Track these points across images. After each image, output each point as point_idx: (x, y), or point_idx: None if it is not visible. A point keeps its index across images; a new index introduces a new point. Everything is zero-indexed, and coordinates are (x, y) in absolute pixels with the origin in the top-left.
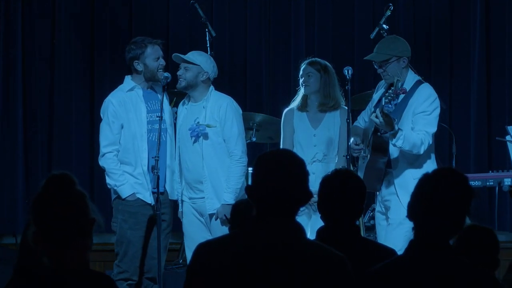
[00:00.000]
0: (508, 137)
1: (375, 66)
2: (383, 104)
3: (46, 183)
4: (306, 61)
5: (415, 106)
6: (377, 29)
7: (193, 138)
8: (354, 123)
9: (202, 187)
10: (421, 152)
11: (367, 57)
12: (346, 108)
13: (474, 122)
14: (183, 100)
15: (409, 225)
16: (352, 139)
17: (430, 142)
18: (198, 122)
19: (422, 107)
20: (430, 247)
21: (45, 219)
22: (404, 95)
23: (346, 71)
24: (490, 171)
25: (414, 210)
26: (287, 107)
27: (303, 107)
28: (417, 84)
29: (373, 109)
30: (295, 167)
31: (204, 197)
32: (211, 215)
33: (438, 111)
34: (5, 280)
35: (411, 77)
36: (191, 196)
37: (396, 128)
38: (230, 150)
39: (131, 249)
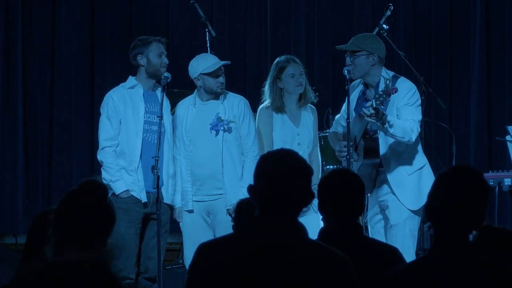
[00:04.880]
0: (508, 137)
1: (347, 60)
2: (374, 106)
3: (82, 188)
4: (287, 61)
5: (398, 101)
6: (377, 29)
7: (214, 133)
8: (331, 129)
9: (216, 183)
10: (413, 139)
11: (339, 46)
12: (313, 107)
13: (474, 122)
14: (184, 101)
15: (412, 222)
16: (338, 145)
17: (419, 130)
18: (220, 117)
19: (404, 100)
20: (452, 246)
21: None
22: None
23: (346, 71)
24: (490, 171)
25: (432, 210)
26: (261, 105)
27: (282, 108)
28: (394, 79)
29: (353, 113)
30: (297, 167)
31: (216, 195)
32: (227, 211)
33: (419, 101)
34: (5, 279)
35: (385, 75)
36: (203, 193)
37: (385, 115)
38: (247, 147)
39: (126, 246)
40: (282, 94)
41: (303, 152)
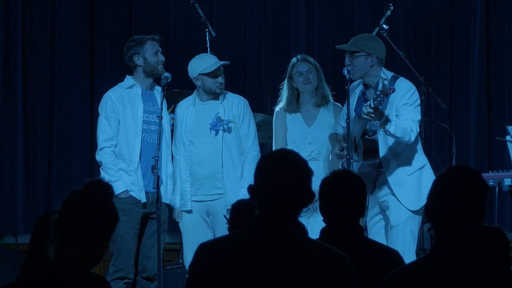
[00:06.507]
0: (508, 137)
1: (346, 60)
2: (372, 106)
3: (89, 187)
4: (297, 59)
5: (397, 101)
6: (377, 29)
7: (213, 133)
8: (331, 130)
9: (216, 183)
10: (412, 139)
11: (339, 46)
12: (338, 104)
13: (474, 122)
14: (184, 102)
15: (413, 223)
16: (338, 146)
17: (418, 130)
18: (220, 117)
19: (403, 100)
20: (452, 246)
21: (80, 219)
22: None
23: (345, 71)
24: (490, 171)
25: (432, 211)
26: (277, 106)
27: (296, 108)
28: (393, 79)
29: (353, 113)
30: (298, 167)
31: (216, 194)
32: (227, 211)
33: (419, 101)
34: (5, 279)
35: (383, 76)
36: (203, 192)
37: (386, 114)
38: (247, 147)
39: (125, 246)
40: (298, 94)
41: (313, 150)
